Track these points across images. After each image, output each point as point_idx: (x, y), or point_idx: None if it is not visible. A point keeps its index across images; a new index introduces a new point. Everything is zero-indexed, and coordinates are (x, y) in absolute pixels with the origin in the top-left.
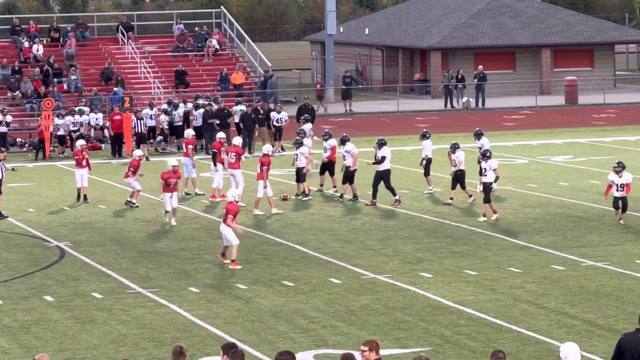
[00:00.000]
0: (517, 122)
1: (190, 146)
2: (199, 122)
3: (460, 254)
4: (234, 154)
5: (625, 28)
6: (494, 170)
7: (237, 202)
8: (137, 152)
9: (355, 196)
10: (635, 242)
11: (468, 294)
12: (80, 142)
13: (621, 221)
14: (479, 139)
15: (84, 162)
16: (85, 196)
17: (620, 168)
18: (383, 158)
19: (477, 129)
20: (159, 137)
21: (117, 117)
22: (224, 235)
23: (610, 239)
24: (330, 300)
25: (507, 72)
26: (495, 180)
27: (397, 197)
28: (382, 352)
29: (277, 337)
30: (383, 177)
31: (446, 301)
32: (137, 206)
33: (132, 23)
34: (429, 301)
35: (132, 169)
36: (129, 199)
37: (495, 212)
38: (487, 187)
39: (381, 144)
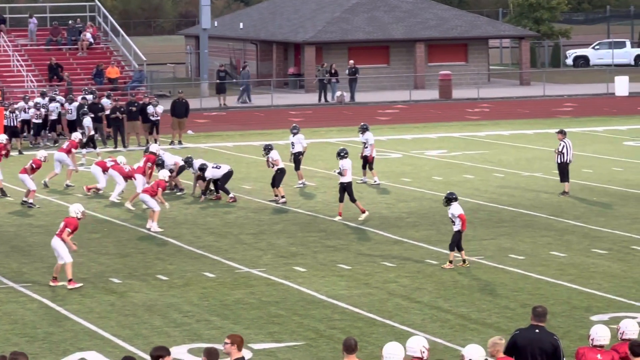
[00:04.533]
0: (391, 117)
1: (73, 149)
2: (73, 115)
3: (334, 248)
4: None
5: (499, 23)
6: (344, 170)
7: (80, 218)
8: (42, 153)
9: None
10: (508, 237)
11: (342, 289)
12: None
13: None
14: (363, 134)
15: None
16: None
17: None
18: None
19: (363, 123)
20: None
21: None
22: (56, 251)
23: (483, 233)
24: (204, 294)
25: (381, 67)
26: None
27: (232, 195)
28: (256, 346)
29: (152, 332)
30: (221, 178)
31: (320, 295)
32: (37, 207)
33: (4, 16)
34: (302, 295)
35: (34, 166)
36: (24, 198)
37: (363, 212)
38: (342, 187)
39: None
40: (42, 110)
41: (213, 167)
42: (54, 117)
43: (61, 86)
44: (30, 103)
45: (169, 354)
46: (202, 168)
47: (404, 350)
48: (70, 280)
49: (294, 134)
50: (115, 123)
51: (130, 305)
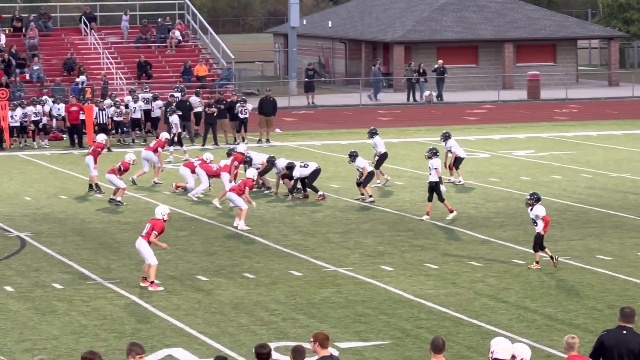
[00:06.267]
0: (480, 116)
1: (160, 149)
2: (156, 113)
3: (422, 247)
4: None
5: (588, 24)
6: (435, 169)
7: (166, 220)
8: (131, 157)
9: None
10: (595, 237)
11: (429, 288)
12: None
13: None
14: (445, 142)
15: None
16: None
17: (532, 200)
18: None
19: (445, 131)
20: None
21: (74, 109)
22: (141, 253)
23: (571, 233)
24: (291, 292)
25: (470, 67)
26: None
27: (321, 193)
28: (343, 345)
29: (238, 330)
30: (310, 176)
31: (407, 295)
32: (125, 204)
33: (95, 14)
34: (389, 294)
35: (122, 168)
36: (112, 196)
37: (451, 211)
38: (431, 187)
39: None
40: (123, 108)
41: (301, 166)
42: (138, 115)
43: (150, 84)
44: (108, 101)
45: (270, 351)
46: (290, 167)
47: (511, 348)
48: (152, 283)
49: (372, 136)
50: (209, 120)
51: (217, 303)
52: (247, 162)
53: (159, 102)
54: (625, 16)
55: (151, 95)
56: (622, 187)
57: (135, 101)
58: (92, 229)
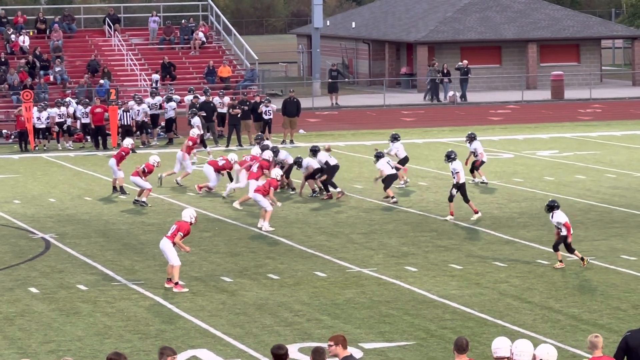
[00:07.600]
0: (503, 117)
1: (190, 142)
2: (170, 114)
3: (446, 248)
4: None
5: (611, 23)
6: (457, 173)
7: (192, 223)
8: (156, 158)
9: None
10: (620, 237)
11: (453, 288)
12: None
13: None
14: (471, 143)
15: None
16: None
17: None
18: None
19: (470, 132)
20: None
21: (98, 110)
22: (165, 253)
23: (595, 233)
24: (315, 293)
25: (493, 67)
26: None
27: (339, 190)
28: (367, 345)
29: (262, 330)
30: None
31: (431, 295)
32: (150, 206)
33: (118, 15)
34: (413, 295)
35: (146, 170)
36: (137, 198)
37: (476, 212)
38: (457, 187)
39: (314, 150)
40: (139, 108)
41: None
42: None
43: (174, 85)
44: (132, 103)
45: (287, 352)
46: (297, 162)
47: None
48: (176, 284)
49: (393, 141)
50: (233, 121)
51: (241, 303)
52: (275, 152)
53: (173, 104)
54: None
55: (165, 97)
56: None
57: (139, 104)
58: (116, 230)
